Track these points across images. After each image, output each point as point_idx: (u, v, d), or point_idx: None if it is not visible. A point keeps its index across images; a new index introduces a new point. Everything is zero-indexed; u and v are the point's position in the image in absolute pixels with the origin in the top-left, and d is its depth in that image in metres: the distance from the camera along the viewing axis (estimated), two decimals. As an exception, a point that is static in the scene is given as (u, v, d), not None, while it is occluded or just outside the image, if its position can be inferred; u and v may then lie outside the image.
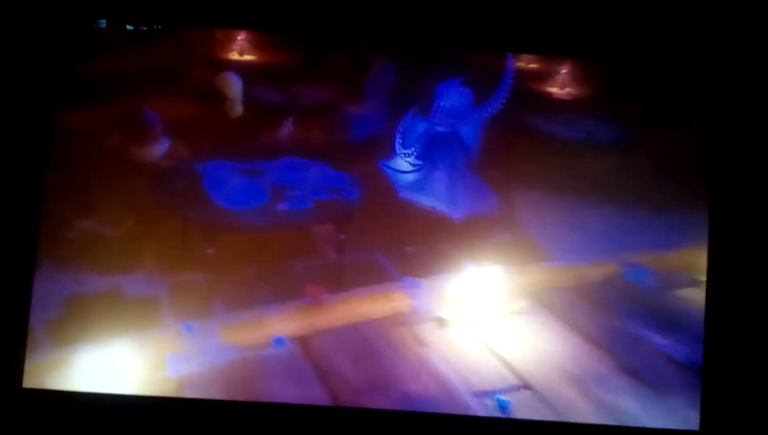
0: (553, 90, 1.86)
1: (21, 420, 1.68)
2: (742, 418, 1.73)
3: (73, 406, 1.68)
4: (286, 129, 1.82)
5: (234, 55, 1.83)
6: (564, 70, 1.86)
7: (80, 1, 1.80)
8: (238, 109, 1.82)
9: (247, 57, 1.83)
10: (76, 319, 1.70)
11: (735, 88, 1.85)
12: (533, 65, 1.87)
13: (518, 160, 1.84)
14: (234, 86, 1.81)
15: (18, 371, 1.69)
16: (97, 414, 1.68)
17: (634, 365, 1.75)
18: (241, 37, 1.83)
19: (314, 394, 1.67)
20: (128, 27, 1.82)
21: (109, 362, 1.67)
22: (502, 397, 1.66)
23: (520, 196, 1.85)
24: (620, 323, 1.79)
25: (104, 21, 1.81)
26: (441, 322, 1.78)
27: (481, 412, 1.65)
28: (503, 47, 1.86)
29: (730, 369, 1.75)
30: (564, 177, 1.85)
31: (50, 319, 1.70)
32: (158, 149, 1.80)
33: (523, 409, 1.66)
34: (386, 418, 1.68)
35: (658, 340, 1.77)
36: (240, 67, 1.81)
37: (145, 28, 1.83)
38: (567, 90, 1.87)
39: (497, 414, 1.65)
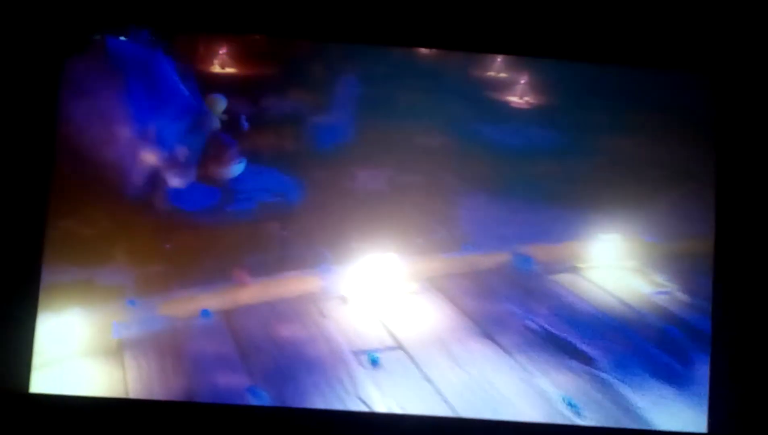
0: (513, 99, 2.13)
1: (28, 425, 1.84)
2: (749, 419, 1.86)
3: (79, 410, 1.86)
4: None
5: (215, 68, 2.11)
6: (523, 80, 2.13)
7: (75, 14, 1.95)
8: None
9: (228, 69, 2.11)
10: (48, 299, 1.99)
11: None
12: (495, 74, 2.13)
13: (469, 164, 2.12)
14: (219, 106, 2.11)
15: (25, 377, 1.87)
16: (104, 418, 1.87)
17: (495, 333, 2.03)
18: (222, 50, 2.10)
19: (227, 352, 1.97)
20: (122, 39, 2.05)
21: (66, 328, 1.98)
22: (375, 354, 1.96)
23: (462, 196, 2.14)
24: (496, 301, 2.06)
25: (99, 33, 2.01)
26: (344, 299, 2.07)
27: (354, 365, 1.95)
28: (481, 49, 2.06)
29: (737, 370, 1.88)
30: (502, 180, 2.13)
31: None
32: (234, 169, 2.11)
33: (392, 365, 1.97)
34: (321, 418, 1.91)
35: (522, 313, 2.04)
36: (220, 80, 2.10)
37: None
38: (525, 99, 2.12)
39: (369, 367, 1.94)
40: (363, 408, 1.89)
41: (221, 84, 2.10)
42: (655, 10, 1.97)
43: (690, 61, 2.01)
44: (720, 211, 1.96)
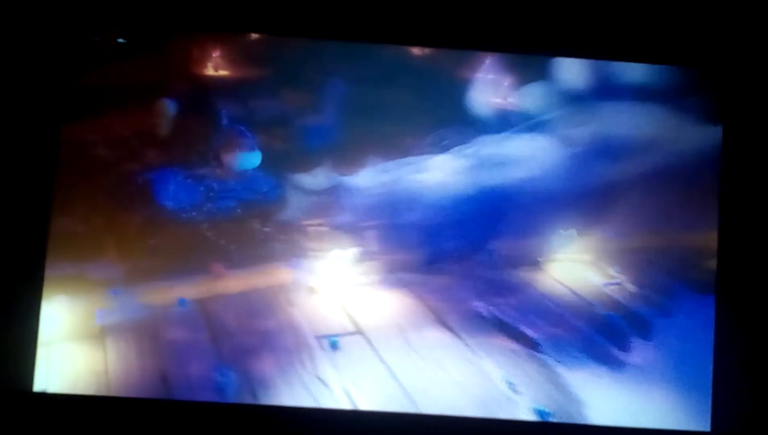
0: (500, 100, 2.22)
1: (32, 424, 1.92)
2: (753, 417, 1.90)
3: (82, 409, 1.94)
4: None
5: (209, 71, 2.22)
6: (506, 83, 2.22)
7: (76, 18, 2.01)
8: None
9: (222, 72, 2.21)
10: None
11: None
12: (484, 75, 2.22)
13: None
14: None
15: (28, 376, 1.96)
16: (106, 417, 1.95)
17: (449, 320, 2.15)
18: (216, 53, 2.20)
19: (200, 336, 2.11)
20: (120, 41, 2.13)
21: (55, 315, 2.11)
22: (334, 338, 2.09)
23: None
24: (454, 291, 2.18)
25: (97, 36, 2.08)
26: (312, 290, 2.18)
27: (315, 348, 2.07)
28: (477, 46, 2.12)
29: (740, 369, 1.93)
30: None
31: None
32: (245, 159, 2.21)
33: (351, 348, 2.10)
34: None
35: (477, 303, 2.16)
36: (215, 82, 2.21)
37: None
38: (509, 100, 2.22)
39: (329, 350, 2.08)
40: (320, 386, 2.02)
41: (210, 85, 2.21)
42: (659, 6, 2.02)
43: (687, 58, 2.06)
44: (723, 206, 2.00)
